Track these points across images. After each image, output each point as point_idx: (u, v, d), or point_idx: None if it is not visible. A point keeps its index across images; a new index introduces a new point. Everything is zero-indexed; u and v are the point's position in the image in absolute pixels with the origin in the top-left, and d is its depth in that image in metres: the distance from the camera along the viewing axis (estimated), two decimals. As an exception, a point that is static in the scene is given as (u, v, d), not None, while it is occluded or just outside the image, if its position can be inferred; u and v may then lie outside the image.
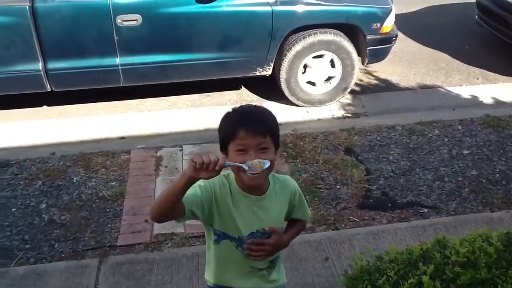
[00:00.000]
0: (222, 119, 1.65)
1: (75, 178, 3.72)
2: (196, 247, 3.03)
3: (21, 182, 3.68)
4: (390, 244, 2.89)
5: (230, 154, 1.58)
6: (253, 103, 1.75)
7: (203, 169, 1.37)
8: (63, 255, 3.01)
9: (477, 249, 1.84)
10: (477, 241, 1.90)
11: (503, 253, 1.83)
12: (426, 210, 3.39)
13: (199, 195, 1.58)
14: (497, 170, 3.79)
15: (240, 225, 1.65)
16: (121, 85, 4.61)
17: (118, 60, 4.44)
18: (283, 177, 1.80)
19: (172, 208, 1.49)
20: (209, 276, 1.83)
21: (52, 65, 4.36)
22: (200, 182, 1.55)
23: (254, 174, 1.54)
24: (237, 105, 1.69)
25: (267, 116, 1.63)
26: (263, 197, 1.68)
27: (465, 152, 4.05)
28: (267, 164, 1.54)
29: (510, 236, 1.94)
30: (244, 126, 1.54)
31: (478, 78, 5.64)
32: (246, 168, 1.52)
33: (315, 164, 3.87)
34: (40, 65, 4.32)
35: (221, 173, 1.47)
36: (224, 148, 1.62)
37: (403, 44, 6.26)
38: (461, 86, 5.47)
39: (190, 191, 1.48)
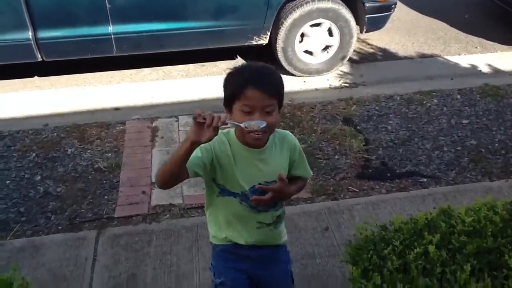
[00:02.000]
0: (229, 76, 1.62)
1: (69, 150, 3.65)
2: (195, 218, 3.01)
3: (14, 154, 3.61)
4: (390, 214, 2.89)
5: (235, 114, 1.57)
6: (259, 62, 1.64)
7: (206, 126, 1.39)
8: (60, 228, 2.98)
9: (483, 218, 1.83)
10: (482, 210, 1.88)
11: (508, 221, 1.82)
12: (425, 179, 3.38)
13: (200, 156, 1.59)
14: (496, 140, 3.77)
15: (242, 180, 1.66)
16: (114, 54, 4.49)
17: (110, 29, 4.31)
18: (282, 131, 1.79)
19: (177, 174, 1.54)
20: (217, 235, 1.82)
21: (42, 34, 4.23)
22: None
23: (256, 133, 1.56)
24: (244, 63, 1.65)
25: (276, 78, 1.62)
26: (263, 150, 1.68)
27: (464, 121, 4.01)
28: (263, 124, 1.53)
29: (515, 205, 1.93)
30: (253, 86, 1.52)
31: (476, 47, 5.56)
32: (243, 126, 1.53)
33: (313, 135, 3.82)
34: (29, 34, 4.18)
35: (220, 131, 1.56)
36: (228, 106, 1.60)
37: (401, 12, 6.14)
38: (459, 55, 5.39)
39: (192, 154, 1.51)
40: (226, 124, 1.47)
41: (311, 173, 1.87)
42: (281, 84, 1.63)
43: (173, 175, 1.54)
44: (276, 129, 1.72)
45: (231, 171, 1.65)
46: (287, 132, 1.80)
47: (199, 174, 1.61)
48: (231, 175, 1.65)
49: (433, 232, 1.77)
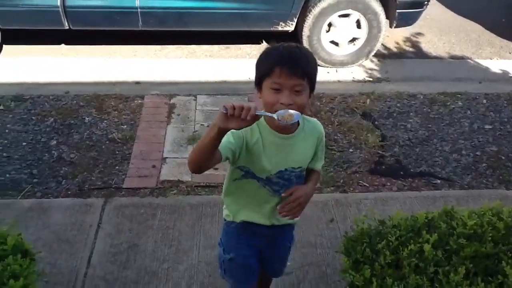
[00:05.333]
0: (262, 54, 1.61)
1: (87, 118, 3.71)
2: (201, 196, 3.02)
3: (33, 118, 3.69)
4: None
5: (264, 91, 1.56)
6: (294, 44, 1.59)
7: (235, 116, 1.34)
8: (69, 192, 3.03)
9: (486, 223, 1.77)
10: (486, 214, 1.83)
11: (512, 229, 1.77)
12: (439, 181, 3.31)
13: (232, 142, 1.56)
14: (518, 148, 3.66)
15: (268, 165, 1.65)
16: (140, 28, 4.52)
17: (137, 2, 4.32)
18: (313, 120, 1.77)
19: (209, 158, 1.48)
20: (235, 215, 1.81)
21: (71, 2, 4.27)
22: None
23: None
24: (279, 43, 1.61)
25: (308, 59, 1.57)
26: (292, 136, 1.66)
27: (487, 126, 3.90)
28: (297, 118, 1.49)
29: (522, 213, 1.87)
30: (282, 65, 1.50)
31: (510, 53, 5.39)
32: (276, 118, 1.48)
33: (330, 126, 3.78)
34: (58, 1, 4.23)
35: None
36: (259, 84, 1.59)
37: (435, 10, 5.98)
38: (491, 59, 5.24)
39: (223, 138, 1.46)
40: (257, 116, 1.39)
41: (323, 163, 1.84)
42: (311, 66, 1.58)
43: (203, 160, 1.49)
44: (306, 117, 1.70)
45: (259, 157, 1.63)
46: (316, 120, 1.78)
47: (229, 158, 1.58)
48: (258, 160, 1.64)
49: (432, 231, 1.73)
